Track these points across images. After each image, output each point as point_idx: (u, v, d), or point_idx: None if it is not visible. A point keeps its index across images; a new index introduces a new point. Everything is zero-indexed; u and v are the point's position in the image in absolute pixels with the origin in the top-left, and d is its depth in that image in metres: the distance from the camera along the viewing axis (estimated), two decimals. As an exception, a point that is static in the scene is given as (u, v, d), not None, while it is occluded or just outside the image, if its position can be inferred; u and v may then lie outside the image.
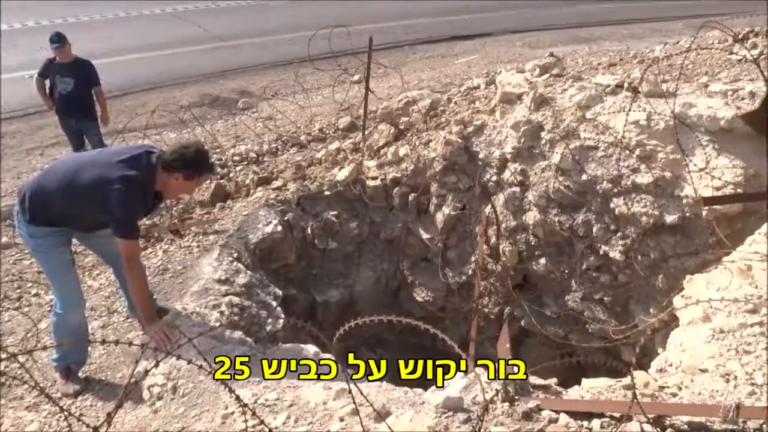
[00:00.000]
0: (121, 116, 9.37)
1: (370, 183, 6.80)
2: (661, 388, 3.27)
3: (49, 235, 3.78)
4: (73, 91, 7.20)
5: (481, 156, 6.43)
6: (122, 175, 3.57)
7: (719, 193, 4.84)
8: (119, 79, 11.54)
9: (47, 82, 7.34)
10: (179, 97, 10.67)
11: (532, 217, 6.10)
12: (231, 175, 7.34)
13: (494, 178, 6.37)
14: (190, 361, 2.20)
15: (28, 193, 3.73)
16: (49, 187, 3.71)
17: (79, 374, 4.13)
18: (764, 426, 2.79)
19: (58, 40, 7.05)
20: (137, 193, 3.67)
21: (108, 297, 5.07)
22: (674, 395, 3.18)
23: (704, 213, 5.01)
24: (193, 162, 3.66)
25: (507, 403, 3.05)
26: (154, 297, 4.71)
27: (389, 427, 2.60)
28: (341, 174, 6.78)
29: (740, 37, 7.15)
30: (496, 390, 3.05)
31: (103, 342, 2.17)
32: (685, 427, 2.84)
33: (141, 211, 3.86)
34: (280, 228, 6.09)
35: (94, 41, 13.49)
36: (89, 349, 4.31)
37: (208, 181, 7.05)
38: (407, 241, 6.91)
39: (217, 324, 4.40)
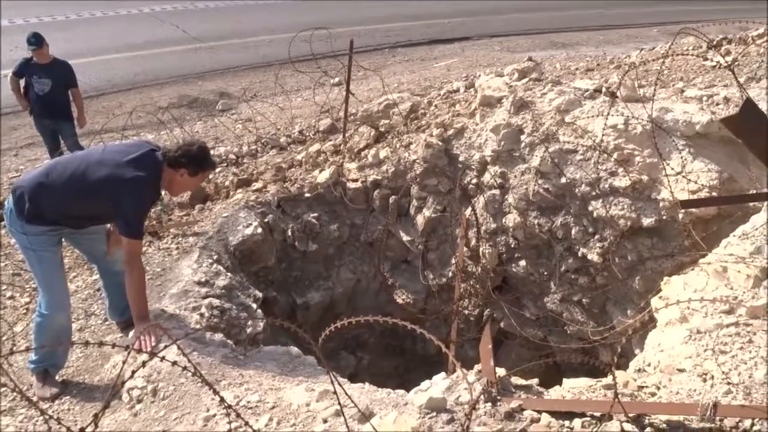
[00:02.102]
0: (98, 117, 9.26)
1: (351, 185, 6.80)
2: (640, 387, 3.32)
3: (42, 234, 3.78)
4: (51, 92, 7.11)
5: (461, 159, 6.47)
6: (134, 177, 3.63)
7: (695, 197, 4.93)
8: (96, 79, 11.41)
9: (22, 82, 7.23)
10: (157, 98, 10.57)
11: (511, 219, 6.15)
12: (210, 176, 7.28)
13: (474, 180, 6.41)
14: (174, 363, 2.19)
15: (27, 193, 3.70)
16: (52, 187, 3.70)
17: (56, 377, 4.06)
18: (740, 424, 2.85)
19: (36, 41, 6.94)
20: (148, 193, 3.77)
21: (85, 299, 4.99)
22: (653, 395, 3.23)
23: (680, 216, 5.10)
24: (198, 158, 3.76)
25: (490, 404, 3.07)
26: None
27: (374, 428, 2.60)
28: (322, 176, 6.77)
29: (714, 43, 7.30)
30: (482, 390, 3.06)
31: (86, 344, 2.14)
32: (664, 425, 2.88)
33: (149, 209, 3.98)
34: (260, 230, 6.06)
35: (69, 41, 13.30)
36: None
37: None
38: (388, 244, 6.92)
39: (197, 326, 4.36)
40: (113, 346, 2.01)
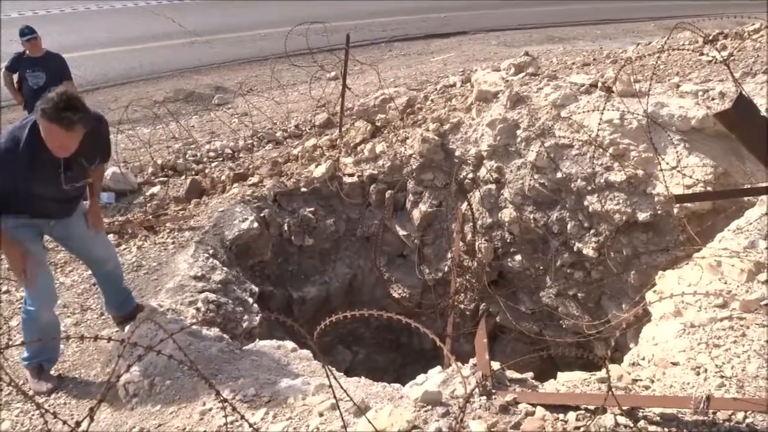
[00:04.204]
0: (94, 111, 9.21)
1: (347, 180, 6.80)
2: (634, 381, 3.34)
3: (16, 228, 3.66)
4: (46, 85, 7.05)
5: (457, 153, 6.48)
6: (9, 131, 3.42)
7: (690, 191, 4.94)
8: (91, 73, 11.37)
9: (15, 77, 7.20)
10: (153, 93, 10.53)
11: (507, 214, 6.16)
12: (206, 171, 7.27)
13: (470, 175, 6.42)
14: (171, 357, 2.19)
15: None
16: None
17: (52, 372, 4.07)
18: (733, 416, 2.87)
19: (30, 32, 6.91)
20: (12, 146, 3.39)
21: (81, 294, 5.00)
22: (647, 388, 3.25)
23: (675, 210, 5.12)
24: (44, 104, 3.25)
25: (485, 397, 3.09)
26: (131, 293, 4.65)
27: (369, 422, 2.62)
28: (318, 170, 6.77)
29: (710, 38, 7.31)
30: (476, 383, 3.08)
31: (82, 338, 2.15)
32: (658, 418, 2.90)
33: (19, 165, 3.41)
34: (256, 224, 6.07)
35: (64, 34, 13.25)
36: (62, 346, 4.25)
37: (184, 178, 7.01)
38: (384, 238, 6.93)
39: (194, 321, 4.37)
40: (109, 340, 2.01)
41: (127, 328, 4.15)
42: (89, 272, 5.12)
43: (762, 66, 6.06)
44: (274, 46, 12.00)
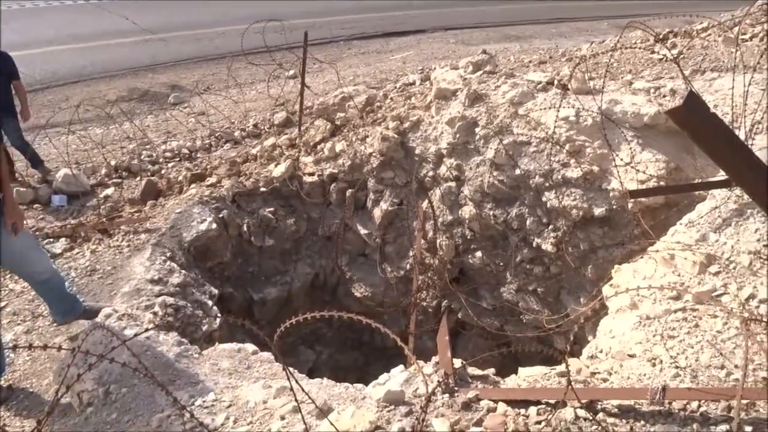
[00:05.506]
0: (43, 111, 8.95)
1: (307, 179, 6.75)
2: (593, 374, 3.39)
3: None
4: (-9, 85, 6.81)
5: (417, 151, 6.49)
6: None
7: (643, 186, 5.05)
8: (40, 72, 11.03)
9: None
10: (106, 92, 10.27)
11: (467, 211, 6.20)
12: (163, 171, 7.13)
13: (431, 173, 6.44)
14: (124, 364, 2.13)
15: None
16: None
17: (1, 383, 3.92)
18: (688, 406, 2.94)
19: (-26, 30, 6.66)
20: None
21: (32, 300, 4.83)
22: (605, 380, 3.30)
23: (630, 205, 5.22)
24: None
25: (447, 395, 3.09)
26: (82, 299, 4.53)
27: (331, 424, 2.59)
28: (277, 170, 6.70)
29: (661, 37, 7.48)
30: (438, 382, 3.08)
31: (30, 347, 2.06)
32: (616, 410, 2.95)
33: None
34: (214, 225, 5.97)
35: (11, 32, 12.81)
36: (12, 355, 4.10)
37: (139, 179, 6.85)
38: (345, 237, 6.90)
39: (151, 325, 4.27)
40: (59, 348, 1.94)
41: (80, 336, 4.02)
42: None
43: (710, 64, 6.23)
44: (230, 44, 11.81)
